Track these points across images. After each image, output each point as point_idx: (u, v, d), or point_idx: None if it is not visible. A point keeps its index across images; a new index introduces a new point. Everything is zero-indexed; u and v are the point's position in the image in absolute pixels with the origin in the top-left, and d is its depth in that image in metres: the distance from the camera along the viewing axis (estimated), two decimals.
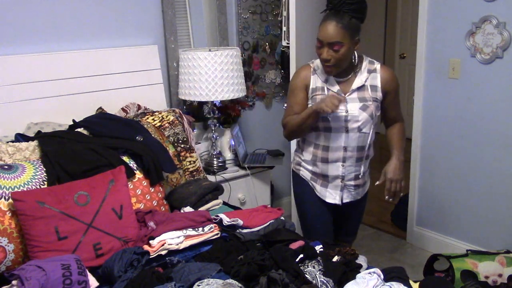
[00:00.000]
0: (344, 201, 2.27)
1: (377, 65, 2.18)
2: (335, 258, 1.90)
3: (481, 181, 3.02)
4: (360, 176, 2.26)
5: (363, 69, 2.16)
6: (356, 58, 2.15)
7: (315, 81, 2.17)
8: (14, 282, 1.65)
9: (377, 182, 2.18)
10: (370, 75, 2.15)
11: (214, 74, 2.80)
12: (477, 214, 3.07)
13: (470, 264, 2.59)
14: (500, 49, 2.78)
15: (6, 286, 1.69)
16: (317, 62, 2.18)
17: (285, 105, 3.29)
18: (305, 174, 2.30)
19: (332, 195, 2.26)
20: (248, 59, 3.54)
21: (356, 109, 2.12)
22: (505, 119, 2.84)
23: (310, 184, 2.30)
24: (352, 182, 2.25)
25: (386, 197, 2.16)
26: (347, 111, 2.12)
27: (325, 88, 2.15)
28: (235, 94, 2.91)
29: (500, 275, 2.56)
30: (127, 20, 2.90)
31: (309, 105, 2.18)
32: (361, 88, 2.15)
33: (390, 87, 2.18)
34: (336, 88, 2.14)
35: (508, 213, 2.92)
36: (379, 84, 2.16)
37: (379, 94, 2.16)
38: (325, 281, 1.70)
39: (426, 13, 3.10)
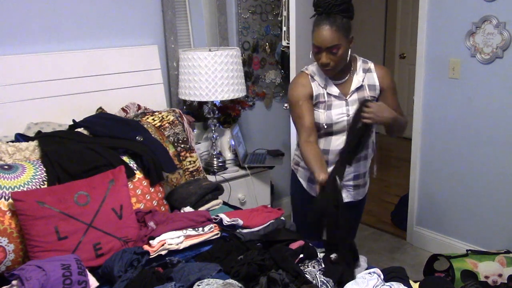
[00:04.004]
0: (344, 200, 2.26)
1: (371, 64, 2.19)
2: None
3: (481, 181, 3.02)
4: (360, 177, 2.25)
5: (358, 69, 2.17)
6: (349, 57, 2.13)
7: (317, 88, 2.14)
8: (14, 282, 1.66)
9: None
10: (366, 75, 2.17)
11: (214, 74, 2.80)
12: (477, 214, 3.07)
13: (470, 264, 2.59)
14: (500, 49, 2.78)
15: (6, 286, 1.69)
16: (311, 68, 2.17)
17: (286, 105, 3.29)
18: (303, 175, 2.30)
19: None
20: (248, 59, 3.54)
21: None
22: (505, 119, 2.84)
23: (306, 186, 2.29)
24: (351, 183, 2.24)
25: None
26: (348, 115, 2.12)
27: (325, 94, 2.13)
28: (235, 94, 2.91)
29: (500, 275, 2.56)
30: (127, 20, 2.90)
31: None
32: (360, 88, 2.15)
33: (385, 82, 2.18)
34: (336, 91, 2.13)
35: (508, 213, 2.92)
36: (377, 83, 2.17)
37: (377, 93, 2.18)
38: (325, 281, 1.70)
39: (426, 13, 3.10)
